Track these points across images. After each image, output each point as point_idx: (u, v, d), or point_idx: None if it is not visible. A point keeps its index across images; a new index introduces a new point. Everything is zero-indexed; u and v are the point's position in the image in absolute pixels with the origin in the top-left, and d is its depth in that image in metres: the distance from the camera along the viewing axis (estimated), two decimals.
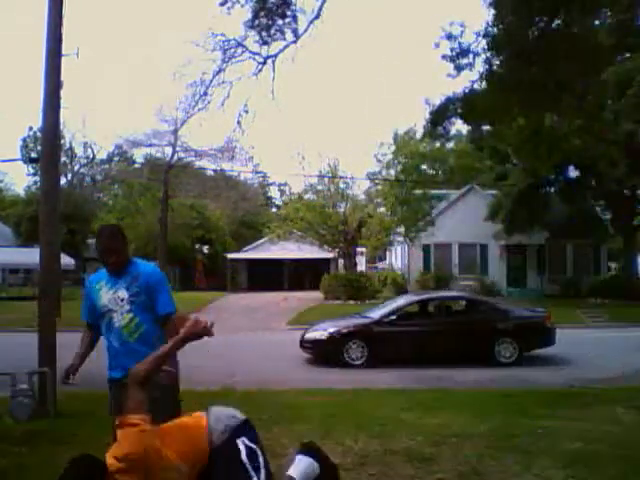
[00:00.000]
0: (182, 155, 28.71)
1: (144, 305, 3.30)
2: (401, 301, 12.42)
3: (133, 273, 3.33)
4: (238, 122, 11.79)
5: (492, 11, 10.27)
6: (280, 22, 10.21)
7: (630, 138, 20.72)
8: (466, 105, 11.58)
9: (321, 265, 31.75)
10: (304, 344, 11.31)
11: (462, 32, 11.68)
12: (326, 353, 11.10)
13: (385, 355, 10.84)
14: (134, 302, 3.29)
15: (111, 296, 3.31)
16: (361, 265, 33.25)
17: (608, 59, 11.57)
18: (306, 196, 27.67)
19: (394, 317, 11.27)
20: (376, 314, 11.60)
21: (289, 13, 10.16)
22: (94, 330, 3.49)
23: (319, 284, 26.53)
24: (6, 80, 71.62)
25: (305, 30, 10.30)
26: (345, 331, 11.08)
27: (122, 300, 3.29)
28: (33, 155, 38.42)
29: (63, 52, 7.30)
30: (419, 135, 26.09)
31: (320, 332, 11.27)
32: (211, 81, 11.38)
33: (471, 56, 11.53)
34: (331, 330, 11.18)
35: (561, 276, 26.67)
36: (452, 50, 11.79)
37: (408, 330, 11.13)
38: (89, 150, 40.76)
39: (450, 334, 10.96)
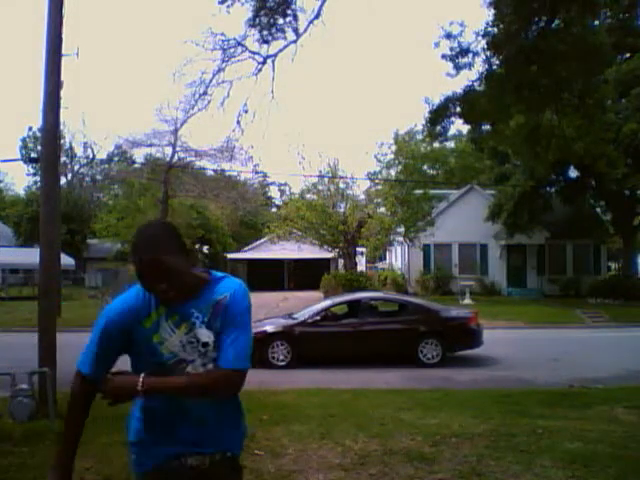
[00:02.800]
0: (182, 155, 28.68)
1: None
2: (326, 302, 12.43)
3: (213, 297, 1.98)
4: (238, 122, 11.78)
5: (492, 11, 10.28)
6: (281, 21, 10.21)
7: (630, 138, 20.74)
8: (466, 105, 11.58)
9: (321, 265, 31.74)
10: None
11: (462, 32, 11.71)
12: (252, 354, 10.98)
13: (309, 356, 10.78)
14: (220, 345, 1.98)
15: (183, 338, 1.95)
16: (361, 265, 33.26)
17: (608, 59, 11.56)
18: (307, 196, 27.67)
19: (318, 318, 11.25)
20: (302, 315, 11.54)
21: (290, 12, 10.16)
22: (91, 389, 1.99)
23: (319, 284, 26.52)
24: (6, 80, 71.70)
25: (305, 30, 10.30)
26: (270, 332, 10.96)
27: (205, 345, 1.96)
28: (33, 155, 38.49)
29: (63, 52, 7.30)
30: (420, 135, 26.08)
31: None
32: (211, 81, 11.38)
33: (470, 55, 11.55)
34: (255, 331, 11.07)
35: (561, 276, 26.67)
36: (452, 50, 11.80)
37: (331, 331, 11.17)
38: (89, 150, 40.85)
39: (373, 335, 10.94)
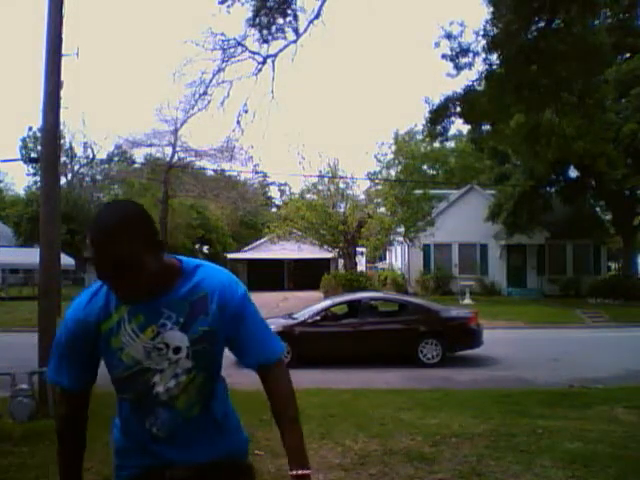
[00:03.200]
0: (182, 155, 28.70)
1: (209, 353, 1.72)
2: (326, 302, 12.43)
3: (191, 293, 1.67)
4: (238, 122, 11.79)
5: (491, 9, 10.27)
6: (281, 21, 10.22)
7: (630, 138, 20.75)
8: (466, 104, 11.58)
9: (321, 265, 31.74)
10: None
11: (462, 32, 11.72)
12: None
13: (309, 356, 10.78)
14: (198, 352, 1.68)
15: (149, 344, 1.64)
16: (361, 265, 33.26)
17: (608, 59, 11.57)
18: (307, 196, 27.67)
19: (318, 318, 11.27)
20: (302, 315, 11.55)
21: (290, 12, 10.16)
22: (83, 400, 1.78)
23: (319, 284, 26.53)
24: (6, 80, 71.72)
25: (305, 30, 10.31)
26: None
27: (176, 351, 1.66)
28: (33, 155, 38.46)
29: (63, 52, 7.30)
30: (420, 135, 26.09)
31: None
32: (211, 81, 11.39)
33: (471, 55, 11.55)
34: None
35: (561, 276, 26.67)
36: (452, 49, 11.82)
37: (331, 331, 11.19)
38: (89, 150, 40.79)
39: (373, 335, 10.95)
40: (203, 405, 1.75)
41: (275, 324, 11.46)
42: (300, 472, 1.61)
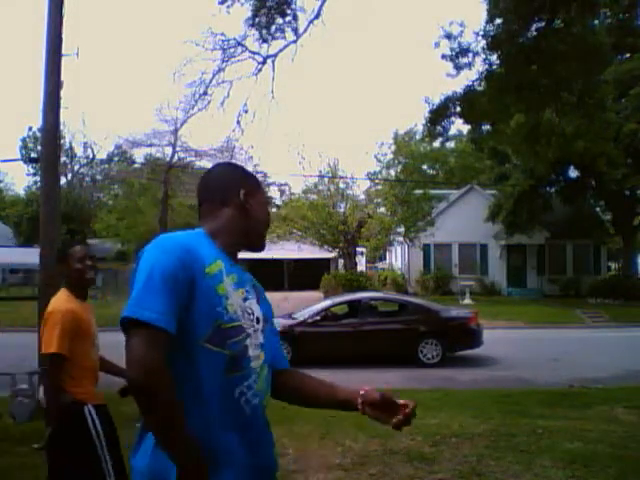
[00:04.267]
0: (182, 155, 28.66)
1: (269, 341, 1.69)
2: (326, 302, 12.43)
3: (251, 278, 1.75)
4: (238, 122, 11.80)
5: (489, 6, 10.28)
6: (280, 21, 10.22)
7: (630, 138, 20.75)
8: (466, 104, 11.58)
9: (321, 265, 31.73)
10: None
11: (462, 32, 11.72)
12: None
13: (309, 356, 10.69)
14: (265, 332, 1.65)
15: (242, 304, 1.56)
16: (361, 265, 33.26)
17: (608, 59, 11.57)
18: (309, 196, 27.65)
19: (318, 318, 11.27)
20: (302, 315, 11.53)
21: (289, 12, 10.17)
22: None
23: (319, 284, 26.53)
24: (6, 80, 71.76)
25: (305, 30, 10.32)
26: None
27: (258, 322, 1.62)
28: (33, 155, 38.47)
29: (63, 52, 7.30)
30: (419, 135, 26.11)
31: None
32: (211, 81, 11.40)
33: (470, 55, 11.55)
34: None
35: (561, 276, 26.67)
36: (452, 50, 11.82)
37: (331, 331, 11.19)
38: (89, 150, 40.80)
39: (373, 335, 10.94)
40: (268, 397, 1.63)
41: (275, 324, 11.47)
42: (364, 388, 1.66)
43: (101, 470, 2.86)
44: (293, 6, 10.18)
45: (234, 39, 10.91)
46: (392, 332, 11.03)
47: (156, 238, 1.50)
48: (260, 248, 1.75)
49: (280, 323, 11.32)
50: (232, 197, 1.64)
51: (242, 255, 1.84)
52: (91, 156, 40.76)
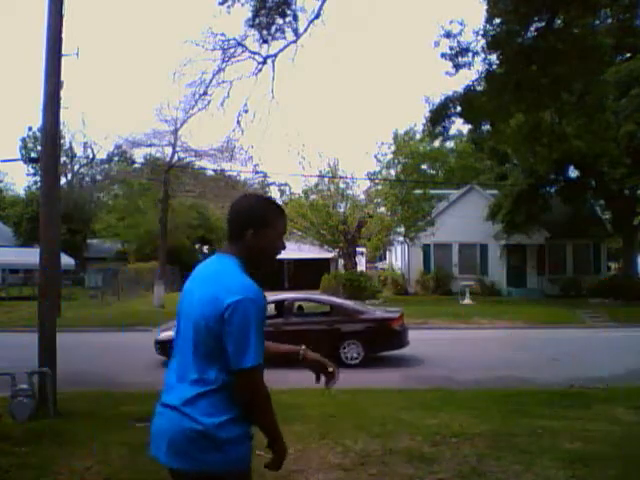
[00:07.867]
0: (182, 155, 28.64)
1: None
2: None
3: None
4: (238, 122, 11.80)
5: (489, 6, 10.27)
6: (280, 21, 10.21)
7: (629, 138, 20.74)
8: (465, 104, 11.58)
9: (321, 265, 31.72)
10: (156, 345, 10.70)
11: (461, 31, 11.70)
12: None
13: None
14: None
15: None
16: (361, 265, 33.22)
17: (608, 59, 11.56)
18: (310, 196, 27.62)
19: None
20: None
21: (289, 12, 10.16)
22: None
23: (319, 284, 26.52)
24: (6, 80, 71.76)
25: (305, 30, 10.32)
26: None
27: None
28: (33, 155, 38.46)
29: (63, 52, 7.30)
30: (419, 135, 26.08)
31: (173, 333, 11.03)
32: (211, 81, 11.40)
33: (470, 55, 11.54)
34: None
35: (561, 276, 26.67)
36: (451, 49, 11.79)
37: None
38: (89, 150, 40.76)
39: (297, 335, 10.67)
40: None
41: None
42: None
43: None
44: (293, 6, 10.18)
45: (234, 39, 10.92)
46: (315, 333, 10.90)
47: (245, 288, 1.96)
48: (270, 271, 2.22)
49: None
50: (245, 233, 2.08)
51: None
52: (91, 156, 40.75)
